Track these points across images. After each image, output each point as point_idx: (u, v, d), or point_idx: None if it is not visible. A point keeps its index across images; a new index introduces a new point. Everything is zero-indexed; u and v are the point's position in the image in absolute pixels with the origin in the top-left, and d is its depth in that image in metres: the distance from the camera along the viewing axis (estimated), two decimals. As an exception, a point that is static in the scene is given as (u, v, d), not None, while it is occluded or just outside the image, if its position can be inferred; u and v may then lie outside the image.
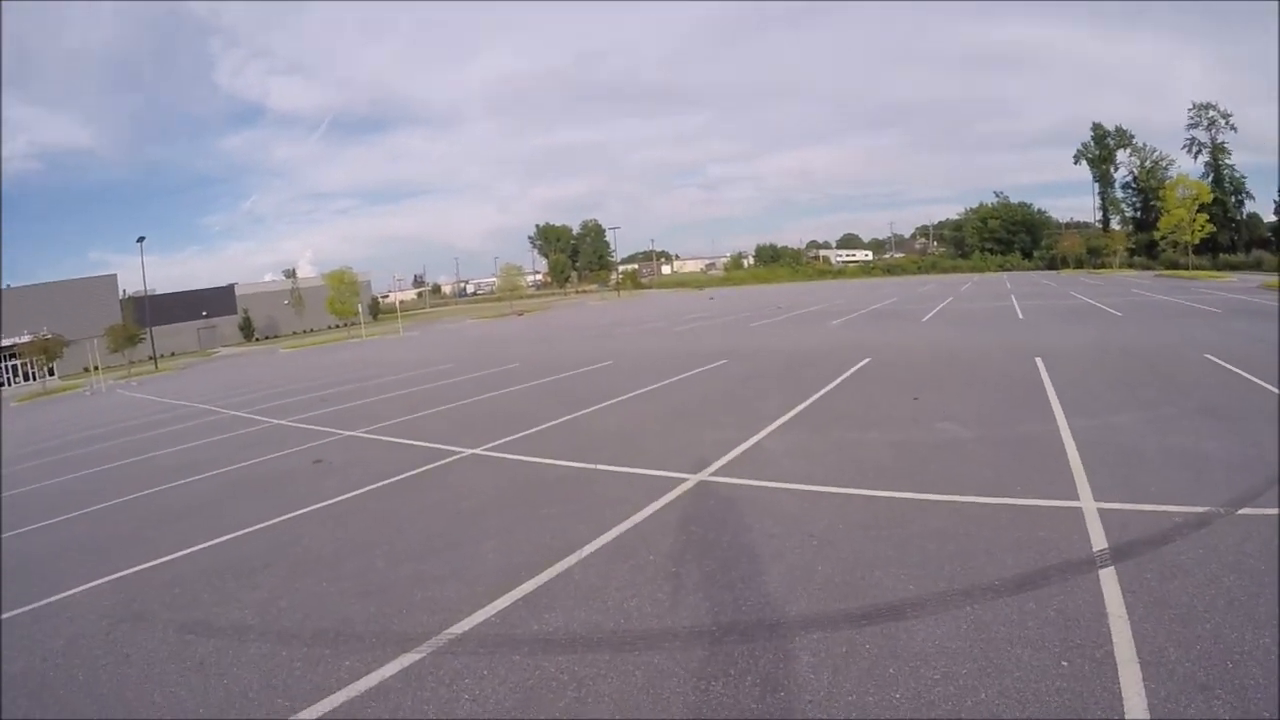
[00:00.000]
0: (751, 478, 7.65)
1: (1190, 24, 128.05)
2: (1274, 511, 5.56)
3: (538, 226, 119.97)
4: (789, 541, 5.79)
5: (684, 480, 7.71)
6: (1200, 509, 5.72)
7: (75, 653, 5.09)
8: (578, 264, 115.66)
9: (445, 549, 6.41)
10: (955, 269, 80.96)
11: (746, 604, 4.78)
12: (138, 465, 12.58)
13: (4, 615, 5.96)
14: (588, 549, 6.02)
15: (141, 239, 53.26)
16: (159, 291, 65.21)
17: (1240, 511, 5.63)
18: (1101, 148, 79.09)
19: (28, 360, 47.70)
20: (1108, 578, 4.67)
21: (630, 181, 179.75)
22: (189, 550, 7.12)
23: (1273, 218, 64.85)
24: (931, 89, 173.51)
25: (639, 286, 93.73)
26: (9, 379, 49.55)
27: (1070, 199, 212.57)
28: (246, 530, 7.60)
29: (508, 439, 10.71)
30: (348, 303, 61.20)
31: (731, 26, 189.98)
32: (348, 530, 7.23)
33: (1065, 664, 3.74)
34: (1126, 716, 3.27)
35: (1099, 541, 5.27)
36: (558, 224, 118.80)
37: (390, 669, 4.32)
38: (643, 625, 4.63)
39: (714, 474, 7.88)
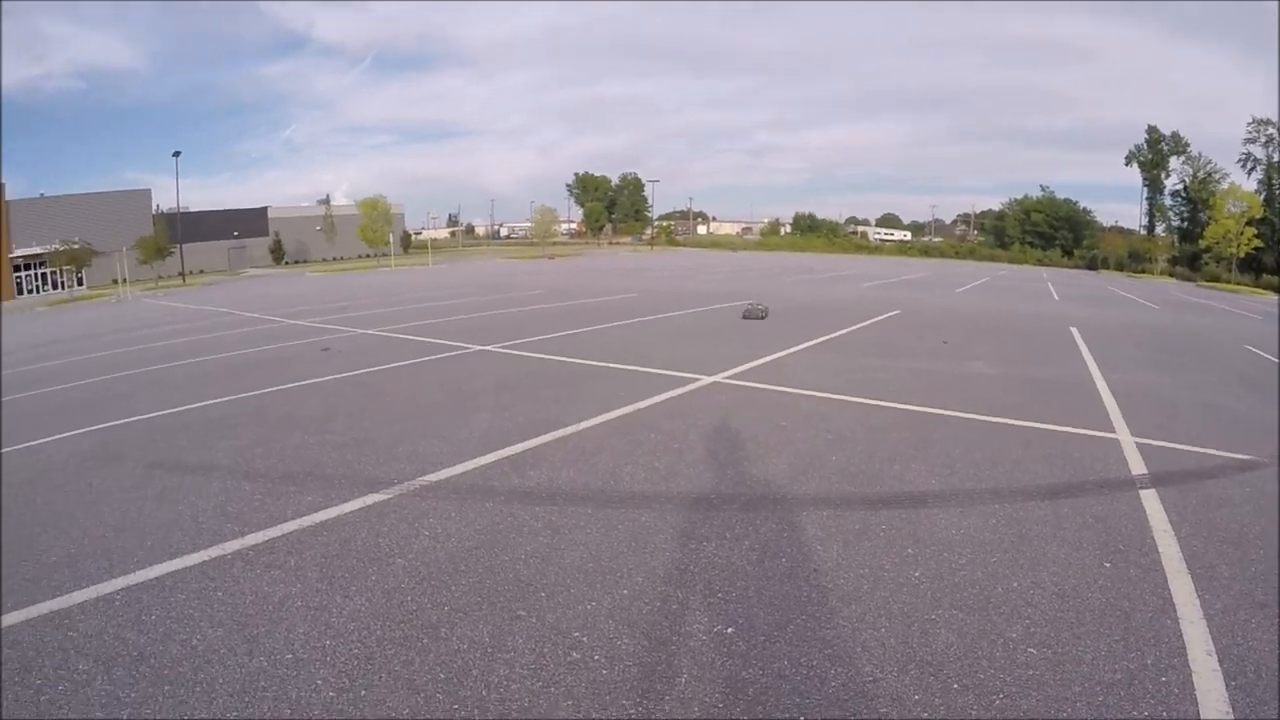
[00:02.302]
0: (766, 383, 7.25)
1: (1256, 35, 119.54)
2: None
3: (576, 175, 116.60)
4: (801, 434, 5.39)
5: (696, 380, 7.31)
6: (1243, 456, 5.25)
7: (41, 482, 4.82)
8: (614, 215, 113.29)
9: (438, 416, 6.11)
10: (993, 258, 78.09)
11: (750, 480, 4.40)
12: (149, 350, 12.36)
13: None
14: (586, 424, 5.66)
15: (177, 153, 51.49)
16: (192, 209, 64.12)
17: (1291, 465, 5.17)
18: (1155, 152, 75.08)
19: (57, 269, 47.04)
20: (1149, 498, 4.24)
21: (673, 140, 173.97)
22: (178, 409, 6.88)
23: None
24: (982, 77, 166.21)
25: (673, 243, 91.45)
26: (38, 286, 48.53)
27: (1115, 203, 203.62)
28: (240, 395, 7.35)
29: (519, 340, 10.37)
30: (380, 231, 60.07)
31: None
32: (343, 399, 6.97)
33: (1108, 565, 3.33)
34: (1181, 621, 2.88)
35: (1138, 468, 4.83)
36: (597, 174, 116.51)
37: (352, 505, 4.06)
38: (634, 488, 4.27)
39: (728, 377, 7.47)
